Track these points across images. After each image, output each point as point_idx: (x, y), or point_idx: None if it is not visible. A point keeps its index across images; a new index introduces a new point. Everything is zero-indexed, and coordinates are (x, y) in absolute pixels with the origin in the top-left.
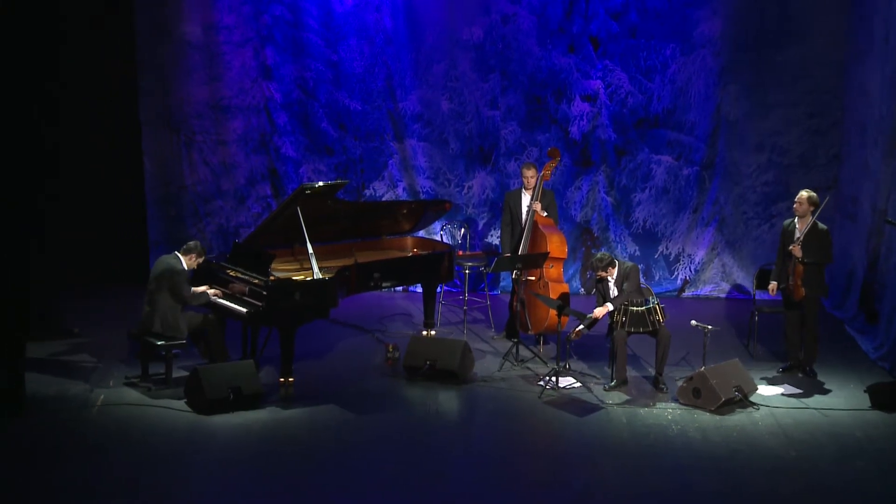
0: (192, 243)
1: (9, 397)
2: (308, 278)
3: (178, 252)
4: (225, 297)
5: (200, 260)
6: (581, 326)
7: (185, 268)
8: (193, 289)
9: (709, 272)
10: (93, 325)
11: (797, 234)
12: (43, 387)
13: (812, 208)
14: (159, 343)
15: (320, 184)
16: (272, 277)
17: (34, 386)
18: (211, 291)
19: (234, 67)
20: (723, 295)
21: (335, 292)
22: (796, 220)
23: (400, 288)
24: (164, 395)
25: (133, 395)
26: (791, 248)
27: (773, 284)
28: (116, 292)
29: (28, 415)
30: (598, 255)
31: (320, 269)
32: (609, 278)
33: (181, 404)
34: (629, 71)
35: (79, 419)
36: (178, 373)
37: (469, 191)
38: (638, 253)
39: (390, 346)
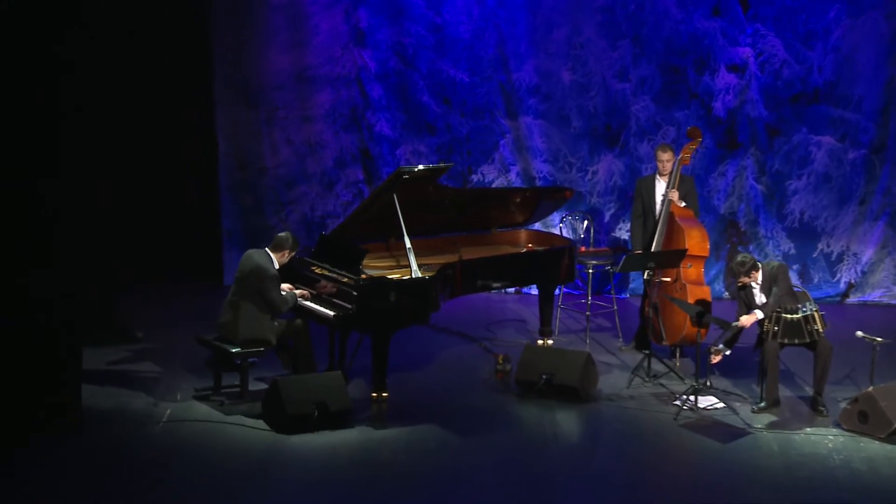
0: (282, 235)
1: (63, 412)
2: (405, 277)
3: (269, 248)
4: (309, 298)
5: (293, 255)
6: (721, 345)
7: (277, 267)
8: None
9: (878, 274)
10: (158, 330)
11: None
12: (101, 400)
13: None
14: (234, 350)
15: (420, 167)
16: (364, 276)
17: (91, 399)
18: (298, 292)
19: (322, 31)
20: (895, 301)
21: (436, 293)
22: None
23: (512, 290)
24: (238, 411)
25: (203, 410)
26: None
27: None
28: (185, 291)
29: (84, 432)
30: (739, 259)
31: (419, 266)
32: (753, 284)
33: (258, 421)
34: (784, 36)
35: (141, 437)
36: (254, 385)
37: (594, 176)
38: (793, 251)
39: (500, 357)
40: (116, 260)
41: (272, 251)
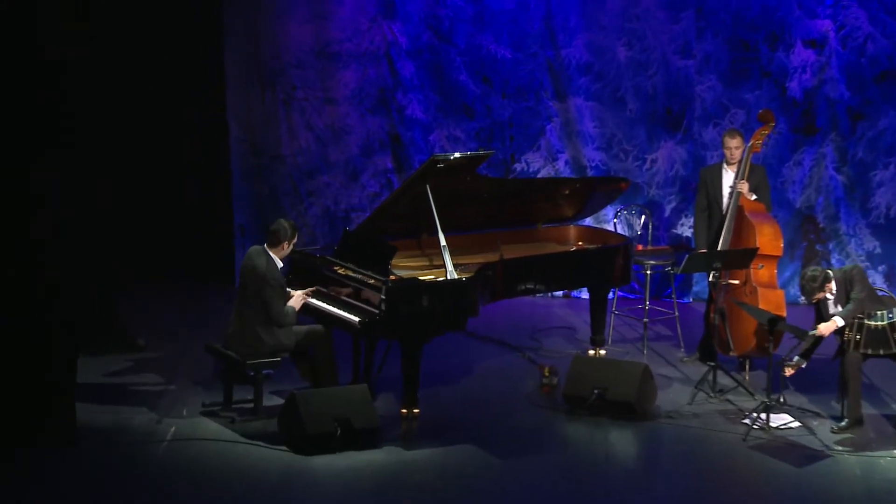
0: (274, 227)
1: (55, 428)
2: (439, 278)
3: (266, 245)
4: (331, 301)
5: (293, 243)
6: (796, 357)
7: (279, 266)
8: (290, 300)
9: None
10: (162, 336)
11: None
12: (98, 415)
13: None
14: (248, 361)
15: (457, 155)
16: (393, 276)
17: (87, 414)
18: (297, 296)
19: (347, 2)
20: None
21: (475, 297)
22: None
23: (560, 293)
24: (251, 429)
25: (212, 427)
26: None
27: None
28: (193, 293)
29: (79, 450)
30: (808, 274)
31: (456, 266)
32: (828, 296)
33: (274, 440)
34: (869, 7)
35: (143, 457)
36: (270, 400)
37: (652, 166)
38: (878, 250)
39: (546, 369)
40: (117, 259)
41: (269, 248)
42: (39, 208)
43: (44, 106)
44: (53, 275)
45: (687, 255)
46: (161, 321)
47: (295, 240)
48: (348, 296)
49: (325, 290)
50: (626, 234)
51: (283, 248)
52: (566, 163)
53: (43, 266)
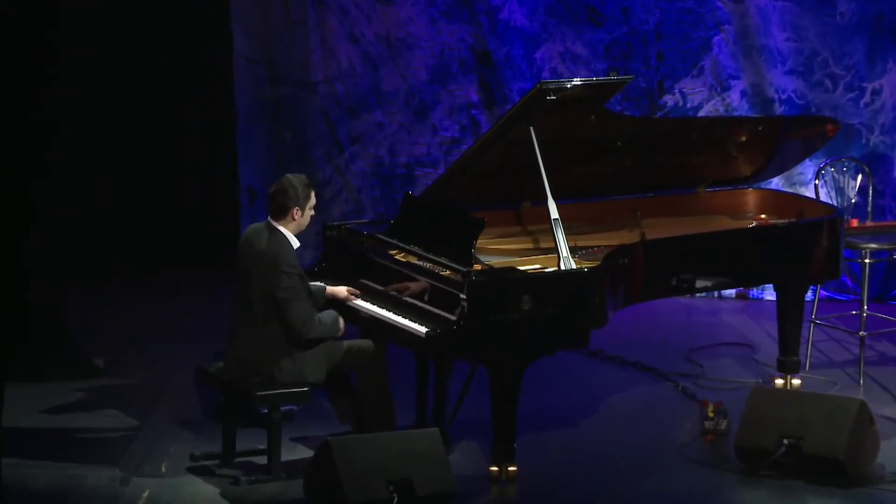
0: (278, 185)
1: None
2: (548, 269)
3: (270, 218)
4: (384, 303)
5: (310, 208)
6: None
7: (295, 246)
8: (327, 290)
9: None
10: (133, 354)
11: None
12: (35, 472)
13: None
14: (258, 393)
15: (577, 82)
16: (478, 265)
17: (17, 470)
18: (344, 290)
19: None
20: None
21: (602, 297)
22: None
23: (731, 291)
24: (264, 494)
25: (204, 490)
26: None
27: None
28: (180, 288)
29: None
30: None
31: (573, 250)
32: None
33: None
34: None
35: None
36: (291, 450)
37: (874, 99)
38: None
39: (710, 407)
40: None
41: (275, 221)
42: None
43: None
44: None
45: None
46: (133, 332)
47: (312, 202)
48: (411, 294)
49: (374, 285)
50: (835, 202)
51: (293, 219)
52: (742, 94)
53: None
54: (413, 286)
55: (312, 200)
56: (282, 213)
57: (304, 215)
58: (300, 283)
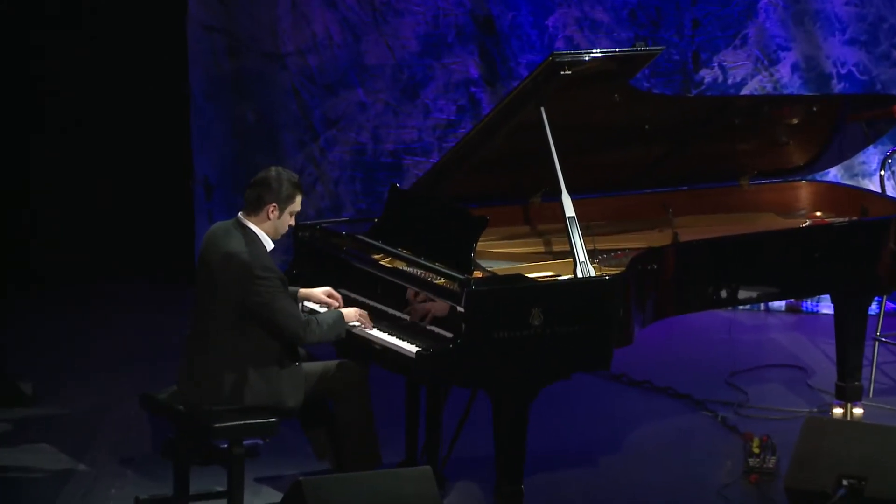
0: (263, 175)
1: None
2: (562, 276)
3: (242, 214)
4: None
5: (292, 213)
6: None
7: (269, 248)
8: (310, 301)
9: None
10: (64, 377)
11: None
12: None
13: None
14: (216, 424)
15: (595, 53)
16: (479, 273)
17: None
18: (355, 311)
19: None
20: None
21: (626, 310)
22: None
23: (779, 303)
24: None
25: None
26: None
27: None
28: (117, 302)
29: None
30: None
31: (592, 255)
32: None
33: None
34: None
35: None
36: (256, 492)
37: None
38: None
39: (754, 442)
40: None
41: (248, 216)
42: None
43: None
44: None
45: None
46: (68, 351)
47: (294, 207)
48: (398, 308)
49: (354, 295)
50: None
51: (267, 217)
52: (793, 69)
53: None
54: (401, 297)
55: (296, 205)
56: (255, 208)
57: (280, 217)
58: (280, 286)
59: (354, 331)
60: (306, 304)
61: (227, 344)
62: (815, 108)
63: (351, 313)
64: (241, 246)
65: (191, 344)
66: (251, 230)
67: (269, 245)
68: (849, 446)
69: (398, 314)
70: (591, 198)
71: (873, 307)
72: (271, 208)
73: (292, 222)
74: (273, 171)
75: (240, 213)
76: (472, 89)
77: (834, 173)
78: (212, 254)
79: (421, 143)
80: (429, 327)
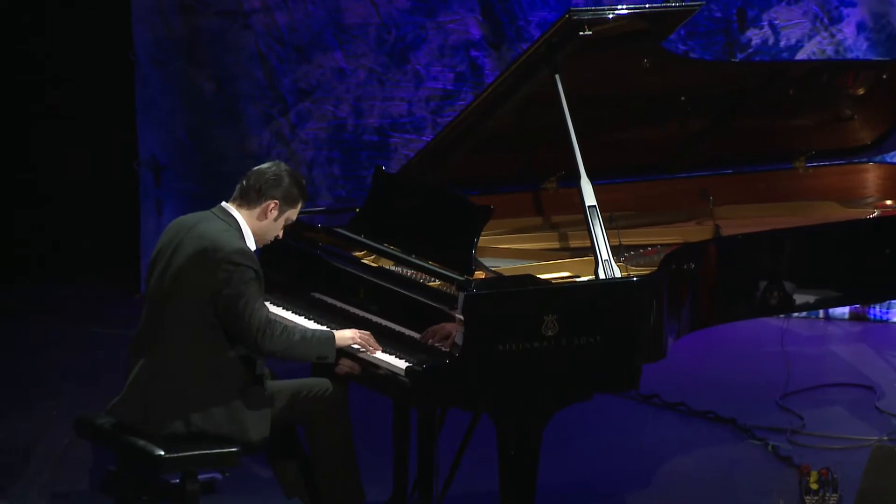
0: (270, 166)
1: None
2: (581, 277)
3: (228, 202)
4: (346, 325)
5: (287, 219)
6: None
7: (255, 246)
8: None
9: None
10: None
11: None
12: None
13: None
14: (168, 455)
15: (620, 10)
16: (481, 273)
17: None
18: (355, 332)
19: None
20: None
21: (659, 319)
22: None
23: (842, 309)
24: None
25: None
26: None
27: None
28: (48, 311)
29: None
30: None
31: (617, 252)
32: None
33: None
34: None
35: None
36: None
37: None
38: None
39: (813, 475)
40: None
41: (239, 208)
42: None
43: None
44: None
45: None
46: None
47: (291, 215)
48: (385, 315)
49: (331, 300)
50: None
51: (264, 215)
52: (858, 28)
53: None
54: (388, 303)
55: (294, 213)
56: (252, 199)
57: (276, 220)
58: (255, 279)
59: (348, 351)
60: None
61: (181, 358)
62: (884, 76)
63: (347, 335)
64: (221, 227)
65: (136, 359)
66: (238, 221)
67: (251, 242)
68: None
69: (384, 322)
70: (615, 183)
71: None
72: (272, 205)
73: (280, 234)
74: (283, 165)
75: (224, 203)
76: (473, 53)
77: None
78: (176, 242)
79: (412, 117)
80: (416, 337)
